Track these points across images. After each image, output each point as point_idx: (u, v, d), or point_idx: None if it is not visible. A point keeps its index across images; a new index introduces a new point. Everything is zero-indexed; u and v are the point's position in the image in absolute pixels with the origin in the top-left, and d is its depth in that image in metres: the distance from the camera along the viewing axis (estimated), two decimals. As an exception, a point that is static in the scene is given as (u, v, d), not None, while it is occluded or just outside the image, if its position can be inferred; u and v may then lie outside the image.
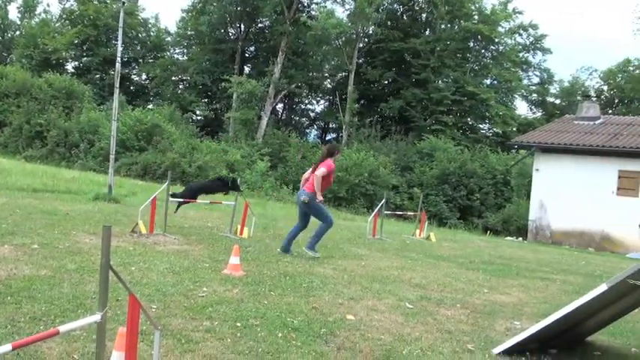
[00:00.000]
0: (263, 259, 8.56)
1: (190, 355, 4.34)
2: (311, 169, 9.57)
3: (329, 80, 45.13)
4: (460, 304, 7.12)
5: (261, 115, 38.42)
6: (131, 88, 44.97)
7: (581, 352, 5.66)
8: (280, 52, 38.60)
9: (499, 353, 5.19)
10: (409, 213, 19.93)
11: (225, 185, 11.93)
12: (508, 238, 23.52)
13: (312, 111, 49.00)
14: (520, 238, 23.47)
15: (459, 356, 5.07)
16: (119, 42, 16.31)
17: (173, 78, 44.75)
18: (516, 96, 45.67)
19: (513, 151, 35.10)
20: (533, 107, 48.94)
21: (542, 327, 5.06)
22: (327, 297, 6.62)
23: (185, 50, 46.67)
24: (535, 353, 5.23)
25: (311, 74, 42.25)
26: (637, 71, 44.59)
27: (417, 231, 15.88)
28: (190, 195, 11.67)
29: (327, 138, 46.21)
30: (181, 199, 11.57)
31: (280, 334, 5.04)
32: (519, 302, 7.79)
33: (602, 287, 4.78)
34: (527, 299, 8.08)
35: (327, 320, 5.65)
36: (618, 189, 22.24)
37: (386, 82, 42.29)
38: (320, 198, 9.29)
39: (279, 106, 45.72)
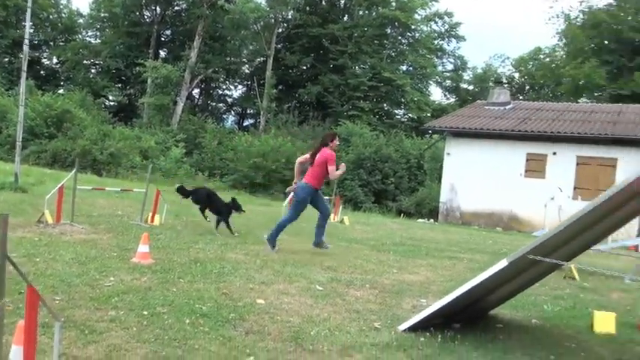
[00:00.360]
0: (174, 247, 8.44)
1: (94, 346, 4.24)
2: (309, 155, 9.31)
3: (247, 65, 44.82)
4: (369, 284, 7.29)
5: (177, 101, 37.76)
6: (41, 72, 43.23)
7: (483, 326, 5.88)
8: (197, 36, 37.96)
9: (404, 330, 5.34)
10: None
11: (229, 209, 10.77)
12: (420, 220, 24.07)
13: (230, 96, 48.64)
14: (432, 220, 24.10)
15: (365, 334, 5.19)
16: (27, 23, 15.59)
17: (85, 62, 43.26)
18: (431, 82, 46.89)
19: (427, 136, 35.93)
20: (447, 93, 50.42)
21: (446, 303, 5.22)
22: (238, 282, 6.62)
23: (98, 33, 45.21)
24: (439, 328, 5.40)
25: (228, 59, 41.82)
26: (547, 59, 46.54)
27: (331, 215, 16.05)
28: (203, 200, 10.89)
29: (244, 124, 46.00)
30: (190, 197, 10.95)
31: (188, 321, 5.00)
32: (427, 281, 8.05)
33: (503, 263, 4.95)
34: (434, 278, 8.36)
35: (237, 305, 5.66)
36: (526, 171, 23.20)
37: (304, 67, 42.41)
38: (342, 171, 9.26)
39: (196, 91, 45.13)
